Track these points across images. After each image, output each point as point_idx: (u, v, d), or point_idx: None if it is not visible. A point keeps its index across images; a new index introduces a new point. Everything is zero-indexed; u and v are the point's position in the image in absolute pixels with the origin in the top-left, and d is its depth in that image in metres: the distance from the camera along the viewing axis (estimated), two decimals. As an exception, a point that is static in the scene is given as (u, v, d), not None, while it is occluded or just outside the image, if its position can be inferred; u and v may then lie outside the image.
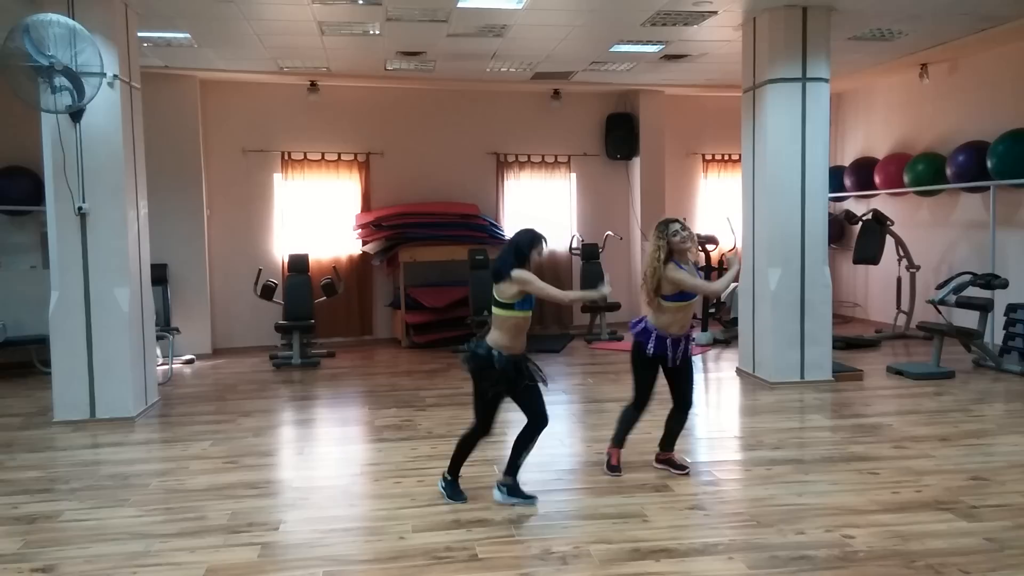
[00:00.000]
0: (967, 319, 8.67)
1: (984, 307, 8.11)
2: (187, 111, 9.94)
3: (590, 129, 11.75)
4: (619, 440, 5.06)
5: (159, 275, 9.12)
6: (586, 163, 11.76)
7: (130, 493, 4.85)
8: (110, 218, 6.67)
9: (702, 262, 10.52)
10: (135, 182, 7.01)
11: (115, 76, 6.56)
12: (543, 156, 11.57)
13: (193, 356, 9.72)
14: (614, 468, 5.00)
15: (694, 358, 5.03)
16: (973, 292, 8.39)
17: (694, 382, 5.06)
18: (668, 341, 4.78)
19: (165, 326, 9.17)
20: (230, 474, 5.21)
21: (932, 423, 6.18)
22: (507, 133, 11.41)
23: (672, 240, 4.73)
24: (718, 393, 7.77)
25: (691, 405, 5.03)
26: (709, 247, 10.63)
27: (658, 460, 5.10)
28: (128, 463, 5.52)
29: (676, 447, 5.13)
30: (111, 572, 3.75)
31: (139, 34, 7.44)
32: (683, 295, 4.76)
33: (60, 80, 6.05)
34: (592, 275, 10.84)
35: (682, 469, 4.99)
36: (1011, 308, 8.43)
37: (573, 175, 11.74)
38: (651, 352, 4.79)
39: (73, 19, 6.15)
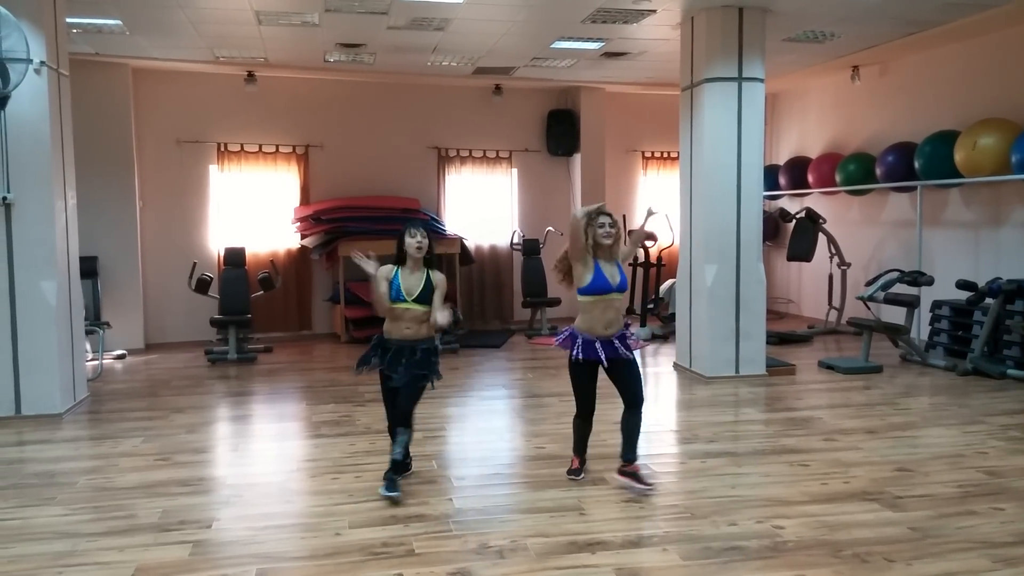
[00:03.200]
0: (895, 315, 8.96)
1: (911, 303, 8.38)
2: (119, 100, 9.67)
3: (531, 125, 11.78)
4: (577, 448, 4.85)
5: (89, 268, 8.87)
6: (527, 159, 11.79)
7: (56, 491, 4.71)
8: (36, 209, 6.45)
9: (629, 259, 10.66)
10: (63, 172, 6.80)
11: (42, 63, 6.35)
12: (484, 151, 11.56)
13: (124, 351, 9.48)
14: (574, 471, 4.78)
15: (636, 352, 4.82)
16: (900, 289, 8.66)
17: (639, 378, 4.68)
18: (598, 344, 4.50)
19: (95, 320, 8.93)
20: (161, 471, 5.09)
21: (860, 416, 6.36)
22: (448, 127, 11.37)
23: (596, 231, 4.50)
24: (656, 388, 7.87)
25: (640, 402, 4.65)
26: (648, 243, 10.75)
27: (619, 472, 4.69)
28: (54, 461, 5.36)
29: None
30: (35, 572, 3.63)
31: (68, 20, 7.20)
32: (595, 289, 4.50)
33: (-17, 66, 5.84)
34: (532, 271, 10.92)
35: (646, 486, 4.58)
36: (936, 305, 8.74)
37: (515, 170, 11.76)
38: (579, 357, 4.53)
39: (-3, 3, 5.94)
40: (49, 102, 6.48)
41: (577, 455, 4.87)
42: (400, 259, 4.60)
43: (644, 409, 4.72)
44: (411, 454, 4.78)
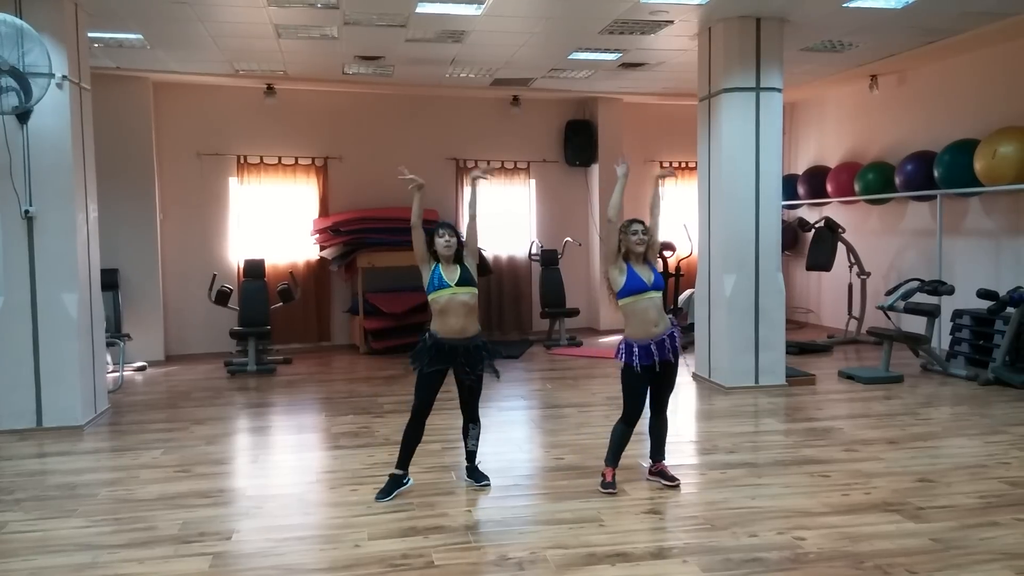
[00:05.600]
0: (915, 324, 8.87)
1: (931, 313, 8.30)
2: (139, 113, 9.79)
3: (549, 136, 11.80)
4: (612, 458, 4.85)
5: (110, 280, 8.93)
6: (545, 169, 11.81)
7: (77, 503, 4.74)
8: (58, 222, 6.53)
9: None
10: (84, 185, 6.88)
11: (64, 77, 6.44)
12: (503, 162, 11.59)
13: (145, 363, 9.55)
14: (608, 485, 4.76)
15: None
16: (921, 298, 8.59)
17: (674, 384, 4.91)
18: (652, 346, 4.64)
19: (116, 332, 9.00)
20: (182, 483, 5.12)
21: (881, 426, 6.31)
22: (467, 139, 11.41)
23: (630, 239, 4.70)
24: (675, 398, 7.74)
25: (666, 407, 4.91)
26: (666, 253, 10.73)
27: (650, 472, 4.98)
28: (76, 473, 5.40)
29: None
30: (57, 584, 3.67)
31: (89, 34, 7.31)
32: (631, 289, 4.67)
33: (6, 80, 5.91)
34: (551, 282, 10.91)
35: (673, 481, 4.85)
36: (957, 314, 8.65)
37: (533, 181, 11.78)
38: (638, 367, 4.64)
39: (20, 18, 6.02)
40: (71, 116, 6.56)
41: (612, 465, 4.85)
42: (436, 257, 4.76)
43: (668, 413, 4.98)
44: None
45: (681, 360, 4.92)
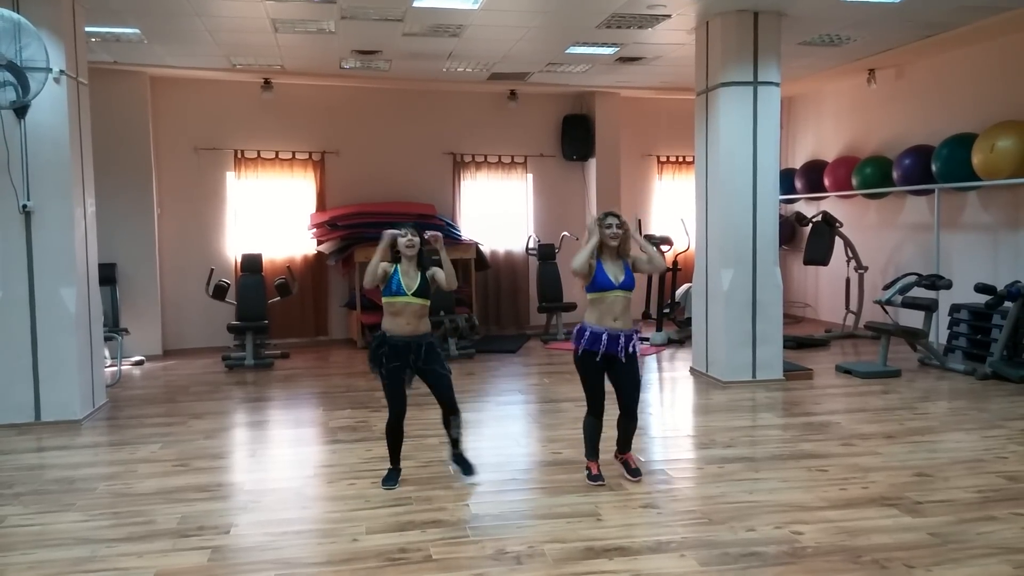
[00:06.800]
0: (913, 319, 8.89)
1: (929, 307, 8.30)
2: (137, 108, 9.76)
3: (547, 130, 11.79)
4: (590, 452, 4.88)
5: (107, 275, 8.94)
6: (543, 164, 11.80)
7: (76, 497, 4.74)
8: (56, 216, 6.52)
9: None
10: (82, 180, 6.86)
11: (61, 71, 6.41)
12: (500, 156, 11.58)
13: (143, 357, 9.54)
14: (595, 477, 4.79)
15: (645, 358, 4.87)
16: (918, 292, 8.60)
17: (638, 384, 4.83)
18: (604, 336, 4.60)
19: (114, 327, 8.99)
20: (180, 477, 5.12)
21: (879, 421, 6.32)
22: (464, 133, 11.40)
23: (604, 232, 4.65)
24: (672, 392, 7.84)
25: (635, 409, 4.80)
26: (664, 248, 10.72)
27: (616, 457, 4.99)
28: (74, 467, 5.40)
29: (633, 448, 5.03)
30: (56, 578, 3.67)
31: (87, 29, 7.29)
32: (597, 285, 4.63)
33: (4, 75, 5.89)
34: (548, 276, 10.92)
35: (634, 476, 4.83)
36: (955, 308, 8.66)
37: (530, 176, 11.77)
38: (580, 350, 4.65)
39: (18, 13, 6.01)
40: (68, 110, 6.54)
41: (593, 459, 4.88)
42: (396, 258, 4.81)
43: (640, 414, 4.93)
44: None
45: (652, 359, 4.89)
